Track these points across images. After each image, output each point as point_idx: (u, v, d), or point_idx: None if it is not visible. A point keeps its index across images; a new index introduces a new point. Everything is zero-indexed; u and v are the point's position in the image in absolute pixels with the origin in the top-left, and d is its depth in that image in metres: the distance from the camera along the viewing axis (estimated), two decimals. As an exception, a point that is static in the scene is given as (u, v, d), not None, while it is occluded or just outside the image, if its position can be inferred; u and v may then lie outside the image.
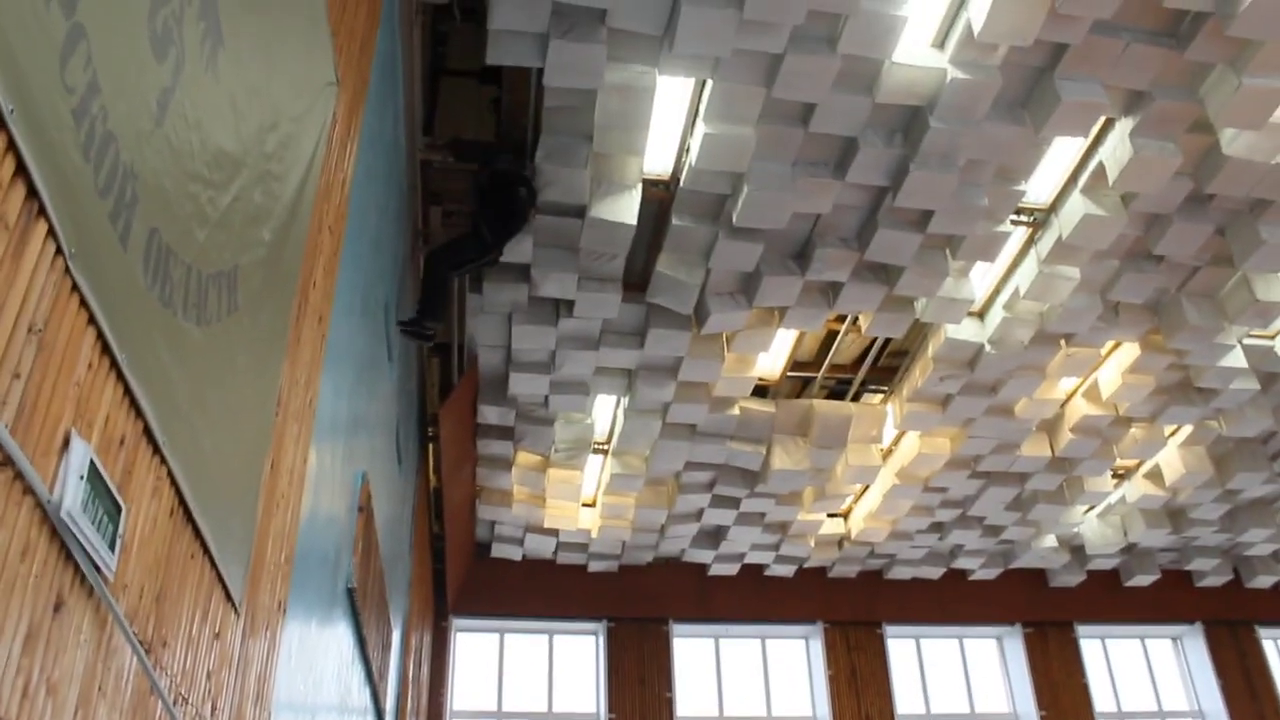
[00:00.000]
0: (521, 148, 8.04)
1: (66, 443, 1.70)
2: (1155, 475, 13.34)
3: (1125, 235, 9.13)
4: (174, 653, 2.41)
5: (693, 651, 15.61)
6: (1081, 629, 16.50)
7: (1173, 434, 12.74)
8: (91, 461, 1.74)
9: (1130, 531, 14.46)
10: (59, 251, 1.63)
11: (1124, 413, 11.81)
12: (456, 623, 14.99)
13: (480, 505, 13.25)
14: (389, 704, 9.14)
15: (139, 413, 2.05)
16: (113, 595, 1.91)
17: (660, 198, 8.75)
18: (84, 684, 1.85)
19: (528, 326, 9.87)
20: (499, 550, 14.65)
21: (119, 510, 1.89)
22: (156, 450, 2.18)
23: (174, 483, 2.31)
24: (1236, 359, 10.78)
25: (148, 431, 2.11)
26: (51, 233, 1.59)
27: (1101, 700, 16.22)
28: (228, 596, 2.88)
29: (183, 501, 2.39)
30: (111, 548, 1.86)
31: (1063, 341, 10.68)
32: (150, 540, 2.17)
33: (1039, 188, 8.84)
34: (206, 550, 2.63)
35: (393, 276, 7.56)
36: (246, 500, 3.08)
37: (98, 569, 1.82)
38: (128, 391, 1.98)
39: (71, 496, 1.67)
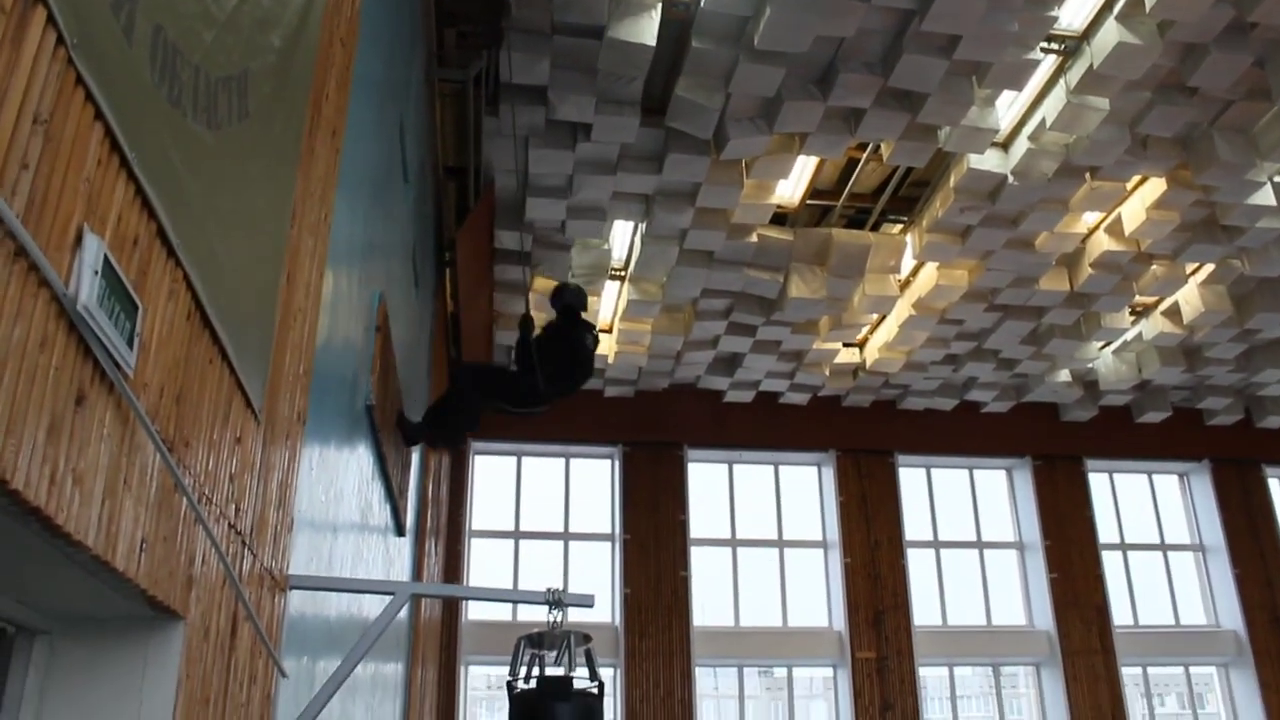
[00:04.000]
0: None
1: (79, 238, 1.70)
2: (1173, 313, 13.32)
3: (1159, 66, 8.89)
4: (196, 454, 2.47)
5: (706, 476, 15.95)
6: (1090, 463, 16.76)
7: (1194, 272, 12.66)
8: (105, 257, 1.74)
9: (1144, 369, 14.52)
10: (60, 41, 1.60)
11: (1146, 249, 11.72)
12: (475, 445, 15.29)
13: (497, 330, 13.36)
14: (409, 521, 9.40)
15: (151, 213, 2.04)
16: (133, 392, 1.95)
17: (680, 19, 8.53)
18: (109, 477, 1.90)
19: (545, 150, 9.77)
20: (516, 375, 14.82)
21: (135, 309, 1.91)
22: (171, 253, 2.19)
23: (190, 287, 2.33)
24: (1265, 197, 10.62)
25: (161, 234, 2.11)
26: (51, 20, 1.56)
27: (1105, 532, 16.60)
28: (247, 403, 2.93)
29: (199, 306, 2.41)
30: (130, 345, 1.88)
31: (1087, 174, 10.53)
32: (168, 342, 2.20)
33: (1072, 13, 8.57)
34: (225, 357, 2.66)
35: (406, 97, 7.43)
36: (264, 310, 3.10)
37: (117, 365, 1.85)
38: (139, 191, 1.98)
39: (87, 290, 1.68)
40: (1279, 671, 16.00)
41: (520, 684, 3.50)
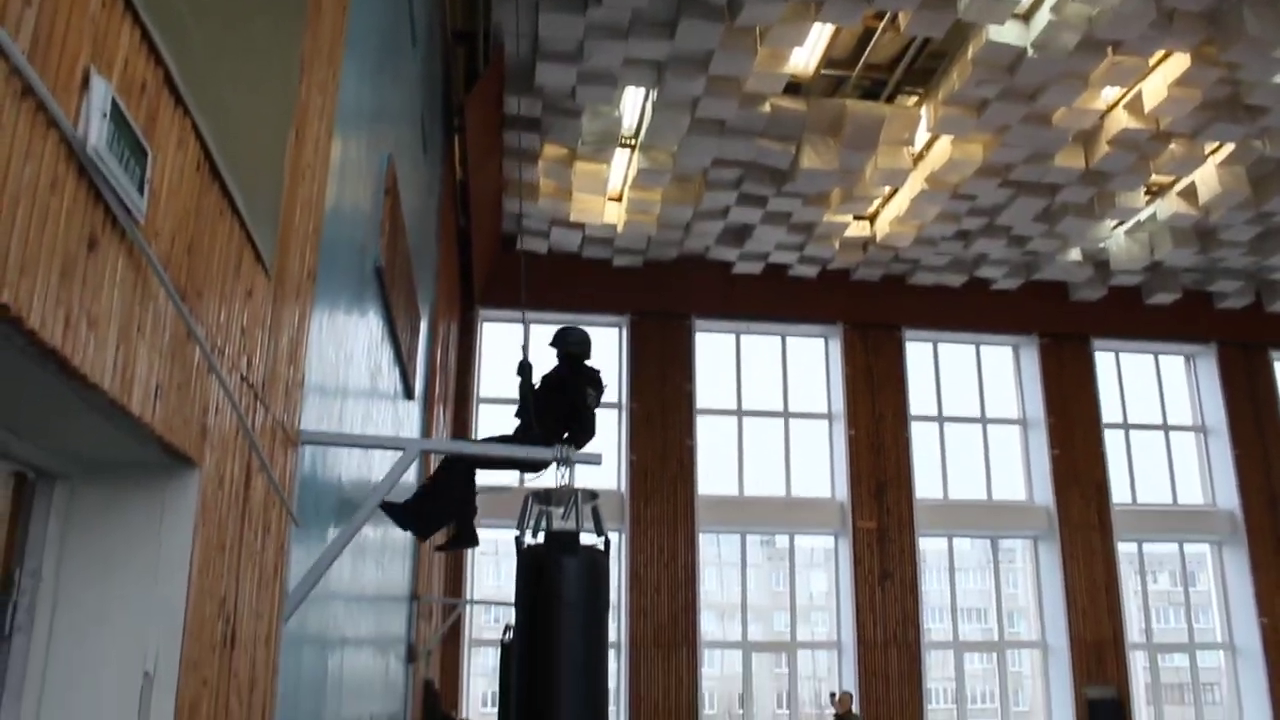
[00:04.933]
0: None
1: (86, 81, 1.69)
2: (1189, 193, 13.18)
3: (1190, -69, 8.64)
4: (208, 305, 2.49)
5: (714, 347, 16.03)
6: (1097, 343, 16.79)
7: (1213, 152, 12.49)
8: (114, 100, 1.73)
9: (1157, 249, 14.44)
10: (64, -124, 1.56)
11: (1165, 127, 11.54)
12: (483, 313, 15.35)
13: (506, 198, 13.29)
14: (418, 386, 9.49)
15: (158, 60, 2.02)
16: (145, 239, 1.95)
17: (698, -126, 8.27)
18: (123, 322, 1.92)
19: (555, 14, 9.58)
20: (525, 243, 14.80)
21: (145, 155, 1.90)
22: (179, 102, 2.17)
23: (199, 137, 2.31)
24: (1291, 74, 10.41)
25: (169, 81, 2.09)
26: None
27: (1109, 412, 16.72)
28: (258, 257, 2.94)
29: (209, 157, 2.40)
30: (140, 191, 1.88)
31: (1110, 49, 10.30)
32: (178, 191, 2.20)
33: (1104, -125, 8.29)
34: (235, 210, 2.66)
35: (416, -46, 7.26)
36: (273, 166, 3.09)
37: (128, 211, 1.85)
38: (145, 36, 1.95)
39: (96, 133, 1.67)
40: (1270, 550, 16.28)
41: (528, 539, 3.59)
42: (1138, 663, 16.15)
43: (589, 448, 4.62)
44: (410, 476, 9.56)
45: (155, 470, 2.48)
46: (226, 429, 2.75)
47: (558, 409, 6.08)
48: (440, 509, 6.07)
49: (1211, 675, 16.80)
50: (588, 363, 6.53)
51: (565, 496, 3.57)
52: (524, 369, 6.21)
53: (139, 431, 2.16)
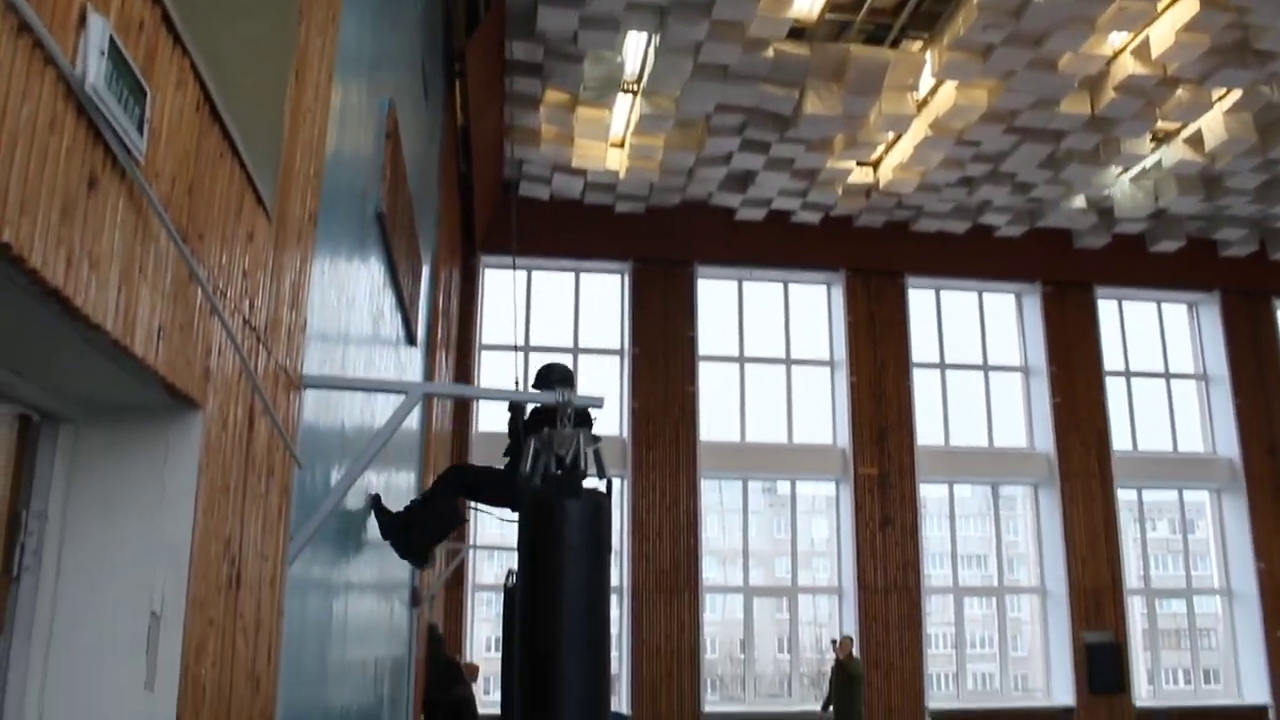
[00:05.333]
0: None
1: (83, 18, 1.67)
2: (1195, 140, 13.10)
3: None
4: (209, 247, 2.49)
5: (716, 293, 16.02)
6: (1100, 290, 16.76)
7: (1220, 98, 12.38)
8: (111, 38, 1.72)
9: (1161, 197, 14.38)
10: None
11: (1172, 73, 11.44)
12: (485, 259, 15.32)
13: (508, 144, 13.21)
14: (420, 333, 9.49)
15: (156, -1, 2.01)
16: (145, 179, 1.95)
17: None
18: (124, 263, 1.92)
19: (557, -45, 9.46)
20: (526, 189, 14.74)
21: (144, 94, 1.89)
22: (177, 41, 2.15)
23: (198, 78, 2.30)
24: (1301, 18, 10.29)
25: (166, 19, 2.07)
26: None
27: (1111, 359, 16.73)
28: (259, 200, 2.93)
29: (208, 98, 2.38)
30: (140, 131, 1.87)
31: (1118, -9, 10.18)
32: (178, 131, 2.19)
33: None
34: (235, 152, 2.65)
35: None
36: (273, 108, 3.07)
37: (128, 151, 1.84)
38: (143, -27, 1.94)
39: (94, 71, 1.66)
40: (1269, 498, 16.37)
41: (529, 480, 3.60)
42: (1135, 608, 16.29)
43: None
44: (413, 423, 9.60)
45: (159, 412, 2.49)
46: (229, 371, 2.76)
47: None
48: (432, 521, 6.03)
49: (1208, 621, 16.95)
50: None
51: (568, 440, 3.58)
52: (514, 409, 6.19)
53: (142, 373, 2.17)
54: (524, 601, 3.67)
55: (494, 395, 4.89)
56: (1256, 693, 15.84)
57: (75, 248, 1.69)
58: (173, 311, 2.22)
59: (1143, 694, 15.87)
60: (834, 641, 13.59)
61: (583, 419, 4.72)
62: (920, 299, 16.56)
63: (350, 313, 5.31)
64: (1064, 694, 15.39)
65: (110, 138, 1.78)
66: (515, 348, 15.13)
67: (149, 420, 2.51)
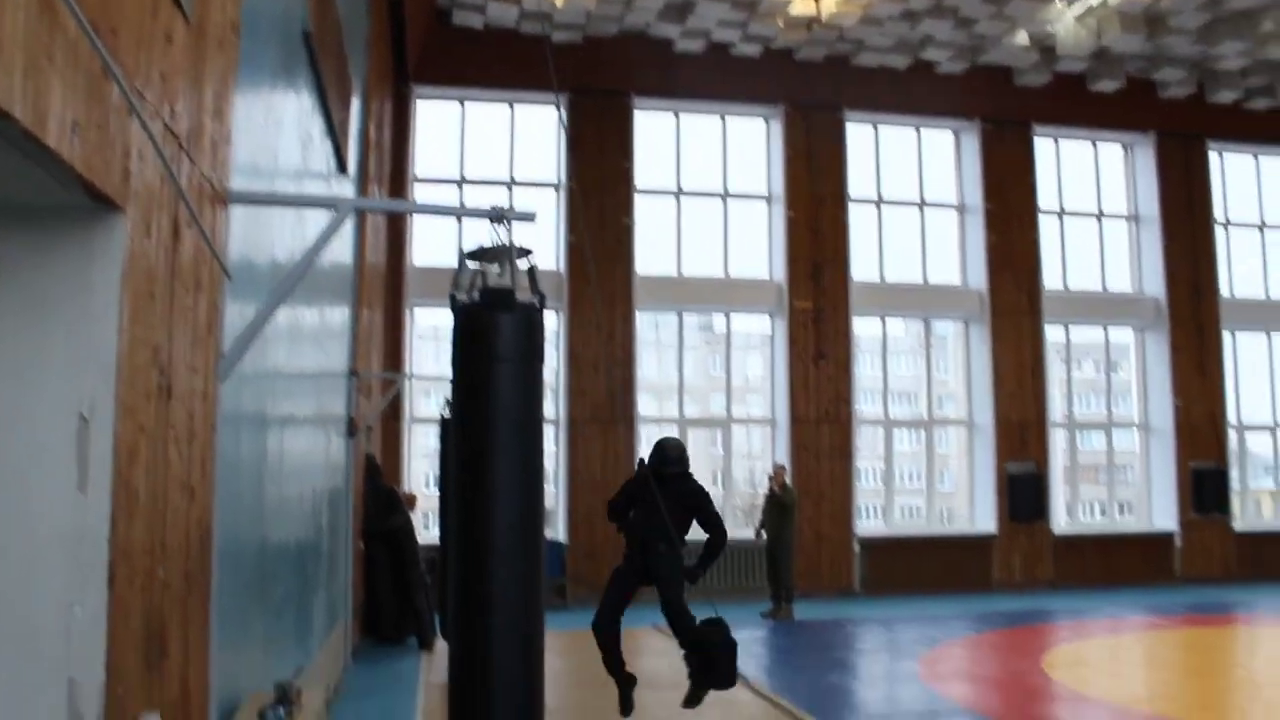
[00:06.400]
0: None
1: None
2: (1140, -27, 12.95)
3: None
4: (124, 43, 2.40)
5: (653, 126, 15.80)
6: (1038, 129, 16.78)
7: (1166, -73, 12.22)
8: None
9: (1104, 35, 14.28)
10: None
11: (1120, -101, 11.22)
12: (417, 90, 14.92)
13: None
14: (352, 163, 9.30)
15: None
16: (50, -39, 1.86)
17: None
18: (30, 49, 1.84)
19: None
20: (460, 18, 14.31)
21: None
22: None
23: None
24: None
25: None
26: None
27: (1046, 199, 16.88)
28: (176, 1, 2.82)
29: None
30: (42, -95, 1.78)
31: None
32: (84, -87, 2.08)
33: None
34: (147, -56, 2.54)
35: None
36: (187, -98, 2.93)
37: (30, -74, 1.76)
38: None
39: None
40: (1190, 336, 16.85)
41: (462, 296, 3.59)
42: (1058, 443, 16.86)
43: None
44: (346, 256, 9.48)
45: (80, 214, 2.44)
46: (151, 177, 2.70)
47: None
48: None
49: (1126, 458, 17.61)
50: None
51: (501, 254, 3.56)
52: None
53: (59, 172, 2.11)
54: (457, 416, 3.69)
55: (427, 209, 4.79)
56: (1166, 521, 16.61)
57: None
58: (87, 106, 2.16)
59: (1061, 523, 16.55)
60: (770, 475, 13.93)
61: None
62: (859, 134, 16.46)
63: (278, 134, 5.19)
64: (986, 522, 16.00)
65: (10, -90, 1.70)
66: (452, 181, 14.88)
67: (71, 224, 2.46)
